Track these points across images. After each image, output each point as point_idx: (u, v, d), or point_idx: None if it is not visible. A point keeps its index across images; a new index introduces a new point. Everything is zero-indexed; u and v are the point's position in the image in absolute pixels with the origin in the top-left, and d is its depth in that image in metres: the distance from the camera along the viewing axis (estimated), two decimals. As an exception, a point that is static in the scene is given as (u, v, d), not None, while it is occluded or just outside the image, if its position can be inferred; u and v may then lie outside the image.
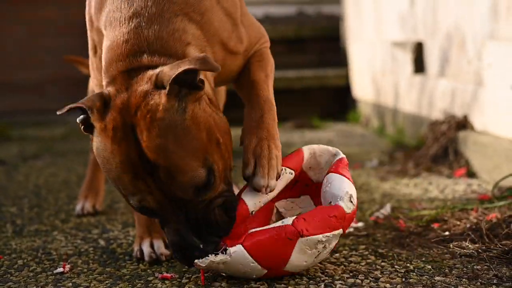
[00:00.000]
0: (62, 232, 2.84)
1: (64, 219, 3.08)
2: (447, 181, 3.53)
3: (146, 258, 2.39)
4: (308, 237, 2.04)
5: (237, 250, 2.03)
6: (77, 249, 2.58)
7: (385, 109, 5.50)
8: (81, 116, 2.09)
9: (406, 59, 4.81)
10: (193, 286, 2.13)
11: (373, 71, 5.82)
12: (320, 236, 2.05)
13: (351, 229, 2.68)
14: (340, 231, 2.10)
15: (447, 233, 2.56)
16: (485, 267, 2.23)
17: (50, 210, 3.28)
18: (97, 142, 2.07)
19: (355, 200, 2.14)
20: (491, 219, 2.61)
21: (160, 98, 2.00)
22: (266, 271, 2.07)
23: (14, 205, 3.41)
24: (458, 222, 2.65)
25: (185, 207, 2.04)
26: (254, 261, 2.04)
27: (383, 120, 5.57)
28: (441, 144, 3.90)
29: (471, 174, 3.63)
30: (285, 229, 2.04)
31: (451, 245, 2.43)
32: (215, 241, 2.08)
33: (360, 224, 2.76)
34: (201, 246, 2.05)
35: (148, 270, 2.30)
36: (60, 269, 2.34)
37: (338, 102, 6.80)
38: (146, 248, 2.40)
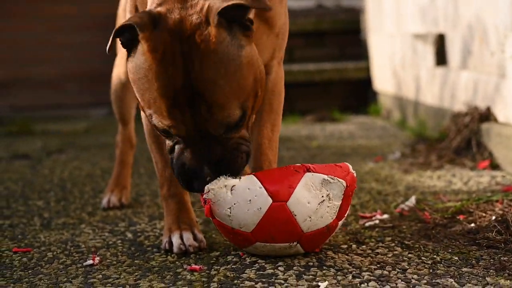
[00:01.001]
0: (90, 225, 2.87)
1: (90, 212, 3.10)
2: (471, 173, 3.53)
3: (175, 250, 2.40)
4: (314, 173, 2.20)
5: (247, 176, 2.18)
6: (105, 242, 2.61)
7: (406, 101, 5.50)
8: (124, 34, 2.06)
9: (427, 52, 4.81)
10: (222, 278, 2.15)
11: (393, 63, 5.82)
12: (325, 176, 2.19)
13: (377, 221, 2.69)
14: (344, 183, 2.21)
15: (472, 225, 2.57)
16: (512, 258, 2.24)
17: (76, 203, 3.31)
18: (139, 60, 2.03)
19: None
20: (516, 211, 2.62)
21: (212, 30, 1.97)
22: (271, 200, 2.15)
23: (41, 199, 3.44)
24: (484, 214, 2.66)
25: (209, 142, 2.07)
26: (261, 186, 2.16)
27: (404, 112, 5.57)
28: (464, 136, 3.90)
29: (494, 166, 3.63)
30: (294, 165, 2.25)
31: (477, 237, 2.43)
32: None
33: (385, 216, 2.77)
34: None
35: (177, 262, 2.32)
36: (90, 262, 2.36)
37: (358, 95, 6.80)
38: (175, 240, 2.42)
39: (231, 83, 2.00)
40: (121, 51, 3.12)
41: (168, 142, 2.18)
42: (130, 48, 2.07)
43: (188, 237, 2.43)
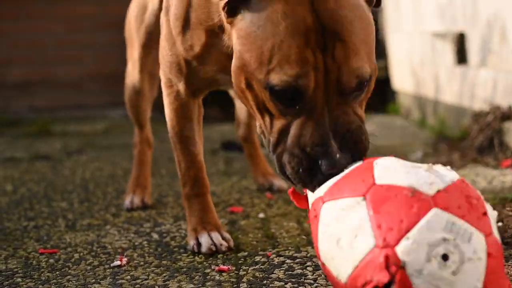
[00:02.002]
0: (115, 226, 2.87)
1: (114, 213, 3.11)
2: (494, 172, 3.51)
3: (205, 250, 2.39)
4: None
5: None
6: (131, 243, 2.61)
7: (426, 100, 5.49)
8: None
9: (446, 50, 4.79)
10: (251, 278, 2.15)
11: (412, 62, 5.80)
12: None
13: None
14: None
15: (500, 224, 2.56)
16: (542, 257, 2.23)
17: (99, 204, 3.32)
18: (258, 7, 1.84)
19: None
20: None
21: None
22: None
23: (64, 200, 3.45)
24: (511, 213, 2.65)
25: (334, 111, 1.81)
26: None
27: (424, 111, 5.56)
28: (487, 135, 3.88)
29: (518, 164, 3.61)
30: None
31: (505, 235, 2.42)
32: (349, 160, 1.80)
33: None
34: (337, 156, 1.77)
35: (205, 263, 2.32)
36: (117, 262, 2.37)
37: (377, 94, 6.72)
38: (204, 240, 2.41)
39: (364, 30, 1.84)
40: (132, 59, 3.18)
41: (278, 125, 1.85)
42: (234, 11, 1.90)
43: (216, 237, 2.43)
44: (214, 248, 2.40)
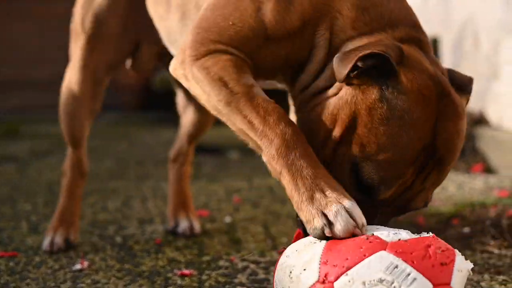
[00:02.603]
0: (78, 229, 2.81)
1: (79, 216, 3.05)
2: (465, 177, 3.50)
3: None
4: None
5: None
6: (94, 246, 2.56)
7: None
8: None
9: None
10: (213, 283, 2.11)
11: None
12: None
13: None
14: None
15: (467, 229, 2.54)
16: (507, 263, 2.21)
17: (65, 206, 3.26)
18: (396, 98, 1.70)
19: None
20: (510, 216, 2.60)
21: (456, 95, 1.77)
22: None
23: (28, 202, 3.40)
24: (478, 219, 2.64)
25: (385, 214, 1.75)
26: None
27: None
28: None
29: (488, 170, 3.61)
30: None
31: (472, 241, 2.41)
32: None
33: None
34: None
35: (167, 267, 2.28)
36: (79, 266, 2.32)
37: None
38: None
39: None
40: (73, 56, 2.62)
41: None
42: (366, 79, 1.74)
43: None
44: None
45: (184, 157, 2.91)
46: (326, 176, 1.69)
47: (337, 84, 1.76)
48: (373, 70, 1.70)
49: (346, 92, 1.74)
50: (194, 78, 1.86)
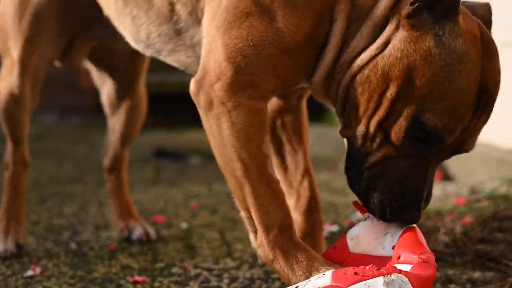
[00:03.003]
0: (33, 234, 2.79)
1: (34, 221, 3.03)
2: (422, 184, 3.51)
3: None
4: None
5: None
6: (48, 252, 2.54)
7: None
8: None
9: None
10: (165, 290, 2.10)
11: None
12: None
13: (327, 234, 2.66)
14: None
15: (421, 237, 2.55)
16: (459, 271, 2.22)
17: (21, 211, 3.23)
18: (453, 41, 1.71)
19: None
20: (465, 223, 2.61)
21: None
22: None
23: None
24: (433, 226, 2.64)
25: (436, 163, 1.81)
26: None
27: (359, 122, 5.56)
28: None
29: (447, 177, 3.63)
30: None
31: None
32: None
33: (334, 228, 2.74)
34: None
35: (120, 274, 2.27)
36: (31, 272, 2.29)
37: (314, 104, 6.77)
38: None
39: None
40: (9, 58, 2.53)
41: (388, 150, 1.78)
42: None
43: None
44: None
45: (120, 165, 2.81)
46: (317, 257, 1.81)
47: (379, 41, 1.76)
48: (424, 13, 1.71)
49: (394, 47, 1.74)
50: (217, 123, 1.87)
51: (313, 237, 2.16)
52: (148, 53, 2.24)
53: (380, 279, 1.55)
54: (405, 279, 1.56)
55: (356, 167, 1.82)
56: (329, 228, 2.73)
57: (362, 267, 1.63)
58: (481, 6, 1.88)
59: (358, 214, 2.83)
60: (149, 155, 4.82)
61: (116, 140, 2.77)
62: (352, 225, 2.74)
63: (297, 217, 2.15)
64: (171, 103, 6.50)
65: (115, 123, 2.75)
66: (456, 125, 1.71)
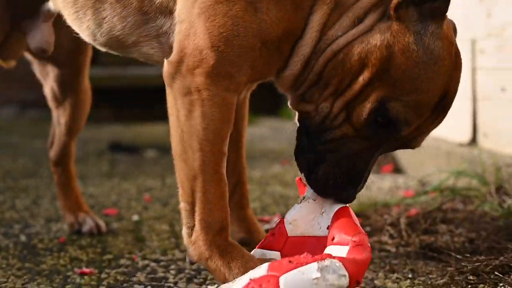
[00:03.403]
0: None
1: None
2: (374, 177, 3.56)
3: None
4: None
5: None
6: (-3, 245, 2.55)
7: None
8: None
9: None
10: (111, 281, 2.11)
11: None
12: None
13: (268, 226, 2.69)
14: None
15: (368, 228, 2.59)
16: (402, 261, 2.26)
17: (-28, 205, 3.23)
18: (434, 42, 1.78)
19: None
20: (411, 215, 2.65)
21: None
22: None
23: None
24: (380, 218, 2.69)
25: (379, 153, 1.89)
26: None
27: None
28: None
29: (398, 170, 3.68)
30: None
31: (370, 241, 2.45)
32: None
33: (283, 220, 2.77)
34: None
35: (68, 266, 2.28)
36: (-23, 265, 2.30)
37: (271, 98, 6.80)
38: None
39: None
40: None
41: (347, 131, 1.83)
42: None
43: None
44: None
45: (67, 158, 2.78)
46: (252, 256, 1.85)
47: (359, 28, 1.80)
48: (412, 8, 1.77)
49: (373, 36, 1.79)
50: (188, 109, 1.86)
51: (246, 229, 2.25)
52: (104, 48, 2.21)
53: (314, 265, 1.59)
54: (339, 263, 1.60)
55: (310, 141, 1.87)
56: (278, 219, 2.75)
57: (297, 256, 1.67)
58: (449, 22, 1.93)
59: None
60: (104, 148, 4.82)
61: (61, 133, 2.74)
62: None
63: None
64: (127, 97, 6.49)
65: (60, 116, 2.73)
66: (415, 120, 1.79)
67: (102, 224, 2.67)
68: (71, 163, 2.78)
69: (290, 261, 1.63)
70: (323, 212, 1.84)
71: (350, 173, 1.84)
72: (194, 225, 1.90)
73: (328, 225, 1.81)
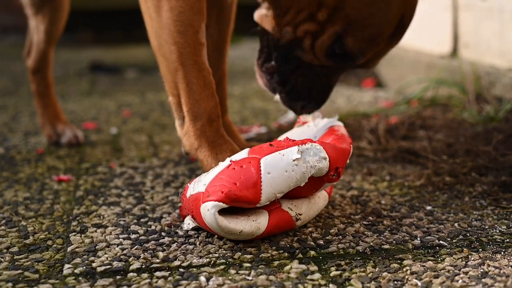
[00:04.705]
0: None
1: (-36, 130, 3.00)
2: (355, 91, 3.55)
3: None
4: None
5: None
6: (-26, 157, 2.53)
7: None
8: None
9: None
10: (88, 187, 2.11)
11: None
12: None
13: (254, 135, 2.69)
14: None
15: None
16: (380, 165, 2.26)
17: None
18: None
19: None
20: (391, 123, 2.65)
21: None
22: None
23: None
24: (359, 126, 2.68)
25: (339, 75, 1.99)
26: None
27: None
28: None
29: (379, 84, 3.67)
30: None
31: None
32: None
33: (263, 130, 2.77)
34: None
35: (46, 174, 2.27)
36: (-45, 175, 2.29)
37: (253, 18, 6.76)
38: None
39: None
40: None
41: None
42: None
43: None
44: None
45: (47, 65, 2.74)
46: (239, 149, 1.81)
47: None
48: None
49: None
50: (156, 5, 1.84)
51: None
52: None
53: (295, 148, 1.59)
54: (320, 147, 1.60)
55: (277, 60, 1.94)
56: (257, 129, 2.75)
57: (278, 140, 1.68)
58: None
59: (287, 116, 2.87)
60: (84, 69, 4.78)
61: (40, 41, 2.69)
62: (280, 127, 2.78)
63: None
64: (108, 19, 6.43)
65: (39, 22, 2.67)
66: (371, 51, 1.86)
67: (80, 134, 2.66)
68: (50, 72, 2.75)
69: (271, 145, 1.64)
70: (316, 136, 1.86)
71: (314, 93, 1.95)
72: (183, 117, 1.90)
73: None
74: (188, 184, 1.70)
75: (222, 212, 1.56)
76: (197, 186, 1.63)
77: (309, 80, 1.93)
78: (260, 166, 1.57)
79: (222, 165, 1.63)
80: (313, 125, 1.91)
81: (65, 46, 6.11)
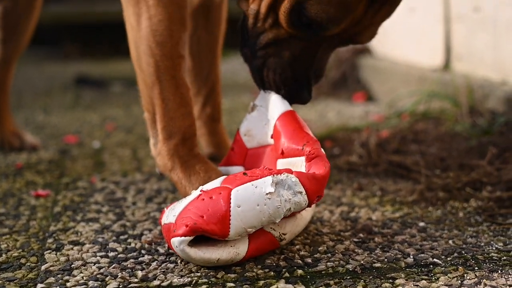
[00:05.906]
0: None
1: None
2: (346, 105, 3.49)
3: None
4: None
5: None
6: (-49, 171, 2.45)
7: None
8: None
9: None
10: (67, 202, 2.03)
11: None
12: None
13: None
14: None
15: (337, 150, 2.52)
16: (371, 180, 2.19)
17: None
18: None
19: None
20: (382, 137, 2.58)
21: None
22: None
23: None
24: (349, 140, 2.62)
25: (330, 51, 1.78)
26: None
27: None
28: (342, 69, 3.85)
29: (370, 98, 3.61)
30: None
31: (338, 161, 2.38)
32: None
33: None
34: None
35: (23, 189, 2.19)
36: None
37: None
38: None
39: None
40: None
41: (280, 33, 1.73)
42: None
43: None
44: None
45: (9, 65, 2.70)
46: (215, 169, 1.75)
47: None
48: None
49: None
50: (136, 13, 1.77)
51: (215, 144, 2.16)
52: None
53: (269, 179, 1.49)
54: (295, 179, 1.50)
55: (250, 46, 1.77)
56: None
57: (254, 169, 1.58)
58: None
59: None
60: (70, 83, 4.70)
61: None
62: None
63: (200, 125, 2.11)
64: (94, 33, 6.37)
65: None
66: (343, 16, 1.64)
67: (33, 141, 2.69)
68: (12, 72, 2.72)
69: (244, 173, 1.54)
70: (270, 119, 1.74)
71: (295, 74, 1.73)
72: (157, 134, 1.81)
73: (272, 134, 1.72)
74: (165, 209, 1.61)
75: (197, 240, 1.47)
76: (170, 214, 1.54)
77: (286, 61, 1.74)
78: (230, 198, 1.47)
79: (194, 194, 1.53)
80: (268, 107, 1.76)
81: (52, 60, 6.04)
